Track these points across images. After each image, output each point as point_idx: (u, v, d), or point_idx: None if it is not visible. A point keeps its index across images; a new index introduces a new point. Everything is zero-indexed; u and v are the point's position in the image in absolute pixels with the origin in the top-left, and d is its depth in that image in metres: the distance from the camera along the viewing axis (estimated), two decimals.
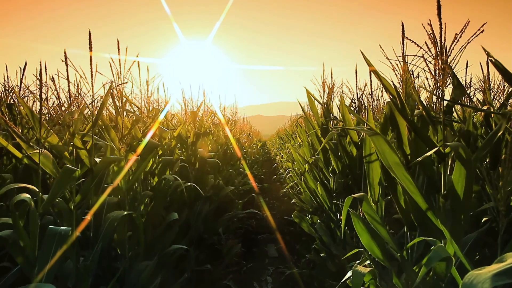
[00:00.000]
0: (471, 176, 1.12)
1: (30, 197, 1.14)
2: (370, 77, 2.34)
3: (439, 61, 1.22)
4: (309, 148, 3.72)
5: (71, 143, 1.47)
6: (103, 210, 1.58)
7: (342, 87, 2.98)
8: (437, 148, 1.11)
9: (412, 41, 1.26)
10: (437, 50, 1.21)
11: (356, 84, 2.52)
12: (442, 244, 1.20)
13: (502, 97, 2.59)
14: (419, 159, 1.14)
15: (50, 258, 1.12)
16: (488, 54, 1.06)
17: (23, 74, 2.25)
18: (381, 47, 1.56)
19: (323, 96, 3.31)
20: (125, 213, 1.52)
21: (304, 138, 3.90)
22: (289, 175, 5.23)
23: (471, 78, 2.44)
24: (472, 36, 1.27)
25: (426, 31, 1.22)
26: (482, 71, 2.51)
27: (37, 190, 1.21)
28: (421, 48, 1.24)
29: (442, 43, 1.22)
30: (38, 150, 1.26)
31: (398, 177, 1.24)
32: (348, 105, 2.82)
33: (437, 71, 1.25)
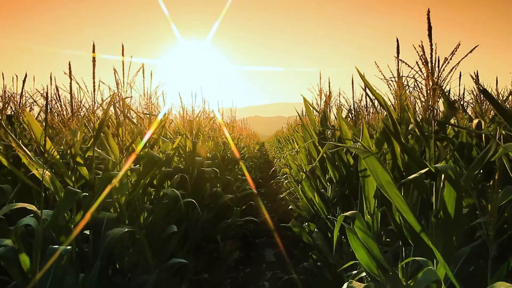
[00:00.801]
0: (461, 197, 1.15)
1: (36, 221, 1.15)
2: (365, 91, 2.37)
3: (430, 82, 1.25)
4: (306, 155, 3.74)
5: (72, 160, 1.49)
6: (102, 226, 1.59)
7: (340, 96, 3.01)
8: (427, 169, 1.13)
9: (404, 62, 1.29)
10: (428, 71, 1.24)
11: (353, 97, 2.56)
12: (434, 264, 1.23)
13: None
14: (409, 178, 1.17)
15: (50, 277, 1.13)
16: (476, 82, 1.08)
17: (23, 86, 2.26)
18: (376, 64, 1.59)
19: (320, 104, 3.34)
20: (126, 229, 1.53)
21: (301, 144, 3.92)
22: (287, 180, 5.25)
23: (464, 89, 2.48)
24: (462, 58, 1.30)
25: (417, 52, 1.25)
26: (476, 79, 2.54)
27: (39, 213, 1.22)
28: (412, 68, 1.27)
29: (433, 64, 1.25)
30: (42, 170, 1.27)
31: (391, 196, 1.26)
32: (346, 113, 2.86)
33: (428, 91, 1.28)
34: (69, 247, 1.23)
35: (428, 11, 1.16)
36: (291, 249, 4.71)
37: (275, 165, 8.47)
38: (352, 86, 2.52)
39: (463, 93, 2.50)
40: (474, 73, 2.66)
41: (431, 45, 1.21)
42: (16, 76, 3.85)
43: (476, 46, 1.24)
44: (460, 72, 2.51)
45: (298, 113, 3.62)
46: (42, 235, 1.18)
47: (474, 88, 2.43)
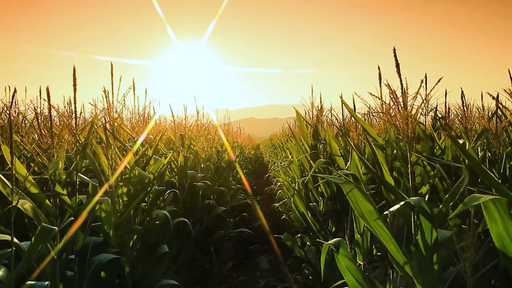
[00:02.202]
0: (437, 228, 1.19)
1: (5, 270, 1.11)
2: (352, 117, 2.41)
3: (402, 116, 1.28)
4: (299, 166, 3.77)
5: (52, 188, 1.48)
6: (88, 251, 1.58)
7: (331, 110, 3.06)
8: (403, 202, 1.17)
9: (378, 97, 1.33)
10: (400, 107, 1.28)
11: (343, 115, 2.60)
12: None
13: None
14: (390, 210, 1.20)
15: None
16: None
17: (12, 101, 2.25)
18: (356, 94, 1.63)
19: (312, 117, 3.39)
20: (112, 256, 1.53)
21: (294, 154, 3.96)
22: (281, 190, 5.29)
23: (449, 107, 2.52)
24: (430, 90, 1.35)
25: (388, 88, 1.29)
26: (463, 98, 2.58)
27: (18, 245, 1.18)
28: (388, 105, 1.30)
29: (403, 99, 1.29)
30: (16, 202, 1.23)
31: (372, 226, 1.29)
32: (337, 130, 2.91)
33: (402, 125, 1.31)
34: (47, 282, 1.21)
35: (394, 49, 1.20)
36: (285, 256, 4.75)
37: (270, 171, 8.49)
38: (342, 108, 2.57)
39: (449, 110, 2.55)
40: (460, 89, 2.71)
41: (401, 80, 1.25)
42: (9, 86, 3.82)
43: (440, 78, 1.29)
44: (446, 90, 2.57)
45: (291, 129, 3.66)
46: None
47: (460, 106, 2.48)
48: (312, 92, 3.36)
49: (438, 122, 2.44)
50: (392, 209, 1.17)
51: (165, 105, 3.81)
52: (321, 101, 3.16)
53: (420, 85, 1.24)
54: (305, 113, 3.41)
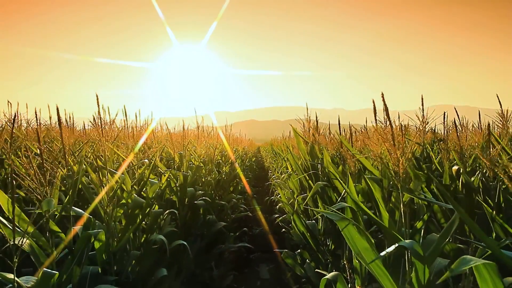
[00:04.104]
0: (430, 268, 1.21)
1: None
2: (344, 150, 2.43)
3: (393, 158, 1.30)
4: (298, 182, 3.79)
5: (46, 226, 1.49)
6: (86, 282, 1.59)
7: (329, 128, 3.08)
8: (396, 245, 1.18)
9: (365, 133, 1.35)
10: (392, 147, 1.30)
11: (340, 132, 2.62)
12: None
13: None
14: (384, 252, 1.22)
15: None
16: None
17: (13, 125, 2.28)
18: (349, 124, 1.66)
19: (309, 131, 3.41)
20: (110, 287, 1.53)
21: (294, 167, 3.97)
22: (281, 202, 5.31)
23: (448, 129, 2.53)
24: (426, 118, 1.36)
25: (378, 133, 1.31)
26: (457, 114, 2.60)
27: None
28: (380, 146, 1.32)
29: (393, 142, 1.30)
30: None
31: (367, 263, 1.31)
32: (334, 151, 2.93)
33: (394, 164, 1.33)
34: None
35: (382, 94, 1.22)
36: (286, 264, 4.74)
37: (270, 179, 8.49)
38: (339, 122, 2.59)
39: (447, 132, 2.56)
40: (456, 110, 2.73)
41: (390, 122, 1.27)
42: (10, 103, 3.87)
43: (427, 121, 1.31)
44: (445, 112, 2.58)
45: (288, 147, 3.67)
46: None
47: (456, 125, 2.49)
48: (307, 109, 3.39)
49: (436, 143, 2.45)
50: (384, 252, 1.19)
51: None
52: (316, 121, 3.18)
53: (407, 128, 1.26)
54: (302, 131, 3.42)
